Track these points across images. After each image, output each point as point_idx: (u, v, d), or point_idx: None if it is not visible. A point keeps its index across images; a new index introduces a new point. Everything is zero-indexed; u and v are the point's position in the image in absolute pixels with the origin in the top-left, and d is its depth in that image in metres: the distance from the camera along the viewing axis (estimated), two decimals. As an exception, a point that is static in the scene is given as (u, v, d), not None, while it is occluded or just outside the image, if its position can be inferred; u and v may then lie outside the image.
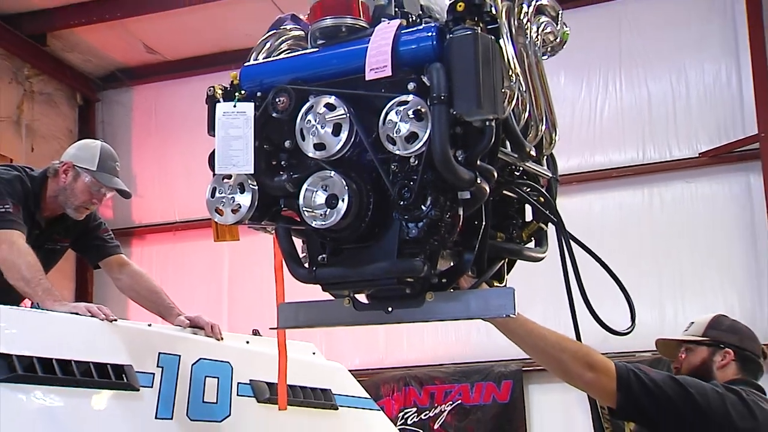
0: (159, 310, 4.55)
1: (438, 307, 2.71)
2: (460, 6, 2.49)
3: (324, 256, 2.69)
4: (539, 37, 2.94)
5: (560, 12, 3.01)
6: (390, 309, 2.76)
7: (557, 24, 3.00)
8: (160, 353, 3.55)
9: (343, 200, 2.48)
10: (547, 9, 2.97)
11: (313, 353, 4.63)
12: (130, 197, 4.95)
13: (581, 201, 9.41)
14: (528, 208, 3.08)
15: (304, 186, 2.56)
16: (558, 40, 3.02)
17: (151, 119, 11.50)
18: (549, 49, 3.02)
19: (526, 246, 3.06)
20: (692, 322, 3.73)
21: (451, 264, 2.73)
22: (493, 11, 2.58)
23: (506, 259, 3.02)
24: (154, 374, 3.48)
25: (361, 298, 2.83)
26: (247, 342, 4.21)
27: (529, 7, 2.87)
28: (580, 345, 3.03)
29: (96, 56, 11.20)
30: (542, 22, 2.94)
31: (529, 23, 2.87)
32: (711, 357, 3.54)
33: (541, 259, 3.09)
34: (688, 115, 9.70)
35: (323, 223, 2.51)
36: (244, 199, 2.68)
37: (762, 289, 9.06)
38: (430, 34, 2.49)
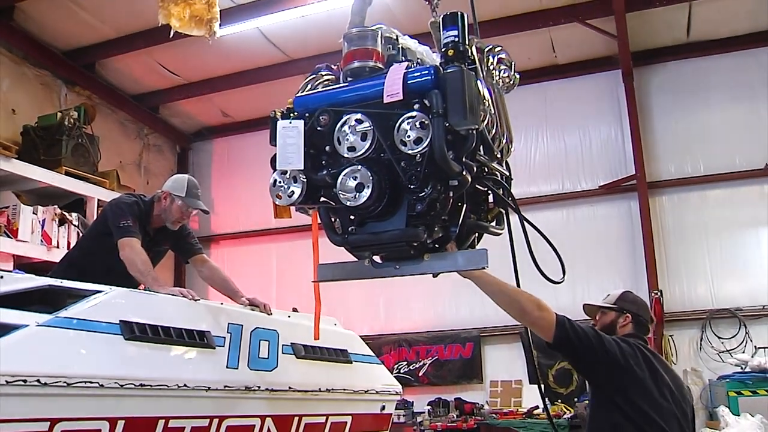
0: (228, 293, 4.54)
1: (433, 263, 2.73)
2: (450, 52, 2.53)
3: (353, 227, 2.69)
4: (500, 79, 3.01)
5: (513, 62, 3.06)
6: (398, 266, 2.77)
7: (512, 71, 3.07)
8: (228, 323, 3.54)
9: (368, 187, 2.50)
10: (505, 61, 3.03)
11: (335, 324, 4.61)
12: (208, 213, 4.94)
13: (520, 219, 9.26)
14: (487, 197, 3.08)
15: (340, 177, 2.56)
16: (512, 82, 3.08)
17: (225, 162, 11.41)
18: (506, 87, 3.08)
19: (491, 224, 3.06)
20: (608, 294, 3.69)
21: (440, 235, 2.72)
22: (472, 57, 2.62)
23: (476, 233, 3.04)
24: (225, 337, 3.47)
25: (377, 259, 2.83)
26: (289, 316, 4.20)
27: (493, 58, 2.96)
28: (531, 294, 3.06)
29: (189, 119, 11.22)
30: (502, 69, 3.01)
31: (494, 69, 2.95)
32: (616, 319, 3.51)
33: (500, 234, 3.07)
34: (591, 160, 9.68)
35: (354, 203, 2.53)
36: (297, 188, 2.68)
37: (638, 278, 8.99)
38: (429, 71, 2.54)
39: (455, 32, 2.57)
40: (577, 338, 3.09)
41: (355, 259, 2.87)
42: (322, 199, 2.77)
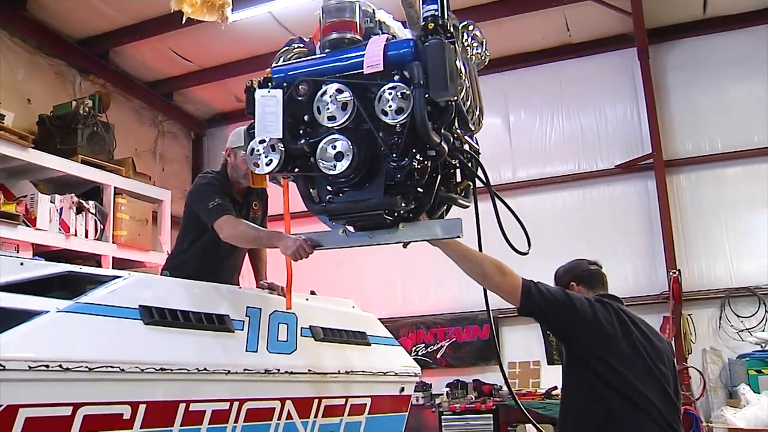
0: (254, 270, 4.54)
1: (408, 232, 2.79)
2: (431, 25, 2.57)
3: (330, 196, 2.73)
4: (473, 55, 3.05)
5: (485, 41, 3.11)
6: (371, 235, 2.82)
7: (484, 48, 3.11)
8: (247, 307, 3.54)
9: (347, 156, 2.54)
10: (478, 38, 3.08)
11: (353, 307, 4.61)
12: None
13: (537, 199, 9.29)
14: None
15: (320, 145, 2.59)
16: (483, 58, 3.12)
17: (239, 148, 11.45)
18: (478, 64, 3.11)
19: (459, 197, 3.07)
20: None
21: (415, 205, 2.75)
22: (451, 31, 2.64)
23: (446, 205, 3.07)
24: (244, 321, 3.48)
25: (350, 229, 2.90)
26: (307, 299, 4.19)
27: (468, 35, 3.01)
28: (494, 258, 3.04)
29: (204, 106, 11.29)
30: (475, 46, 3.06)
31: (468, 46, 3.00)
32: None
33: (468, 206, 3.08)
34: (607, 140, 9.61)
35: (333, 171, 2.56)
36: (275, 156, 2.71)
37: (656, 257, 8.99)
38: (409, 43, 2.58)
39: (435, 6, 2.60)
40: (545, 302, 3.02)
41: (328, 229, 2.91)
42: (297, 169, 2.80)
